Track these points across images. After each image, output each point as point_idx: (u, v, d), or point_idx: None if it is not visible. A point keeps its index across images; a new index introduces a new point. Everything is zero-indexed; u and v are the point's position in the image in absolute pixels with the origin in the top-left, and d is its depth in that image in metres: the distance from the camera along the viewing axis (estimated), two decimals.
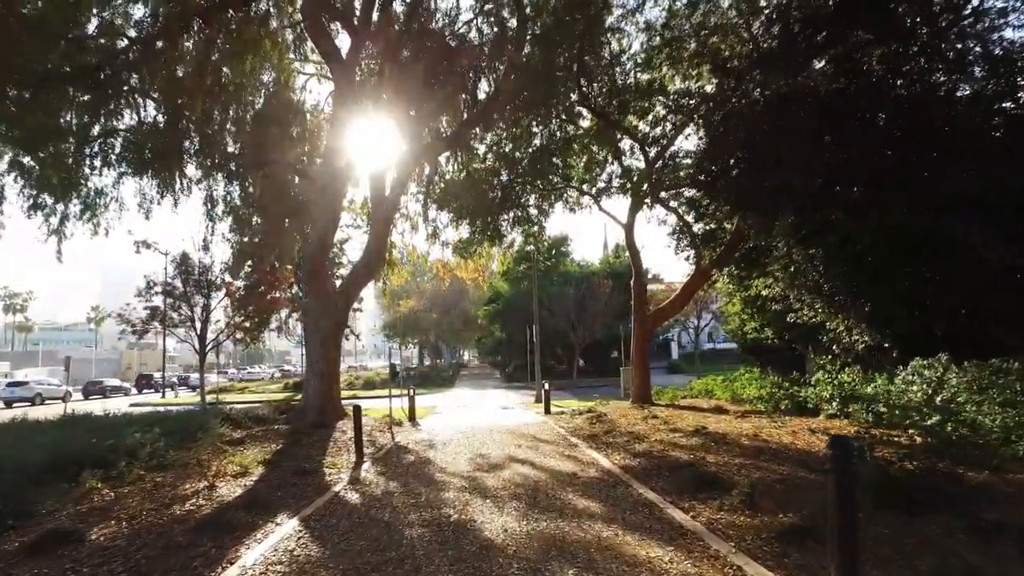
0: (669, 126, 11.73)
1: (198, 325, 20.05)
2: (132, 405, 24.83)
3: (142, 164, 11.61)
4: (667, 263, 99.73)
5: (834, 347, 9.55)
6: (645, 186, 13.26)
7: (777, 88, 9.35)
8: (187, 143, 12.95)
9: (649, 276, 36.28)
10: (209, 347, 20.82)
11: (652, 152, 12.79)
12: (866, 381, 8.71)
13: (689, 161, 11.31)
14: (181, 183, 15.22)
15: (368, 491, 6.51)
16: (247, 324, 25.09)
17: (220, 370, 59.88)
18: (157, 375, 38.80)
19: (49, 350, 67.34)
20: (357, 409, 8.93)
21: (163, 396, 33.42)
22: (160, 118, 11.30)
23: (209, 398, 27.55)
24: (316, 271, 13.07)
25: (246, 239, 16.51)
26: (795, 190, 9.14)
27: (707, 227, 12.21)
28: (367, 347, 79.08)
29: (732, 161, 9.77)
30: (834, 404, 8.85)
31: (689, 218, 13.21)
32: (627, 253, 39.99)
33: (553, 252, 36.95)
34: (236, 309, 21.83)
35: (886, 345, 8.49)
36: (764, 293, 10.72)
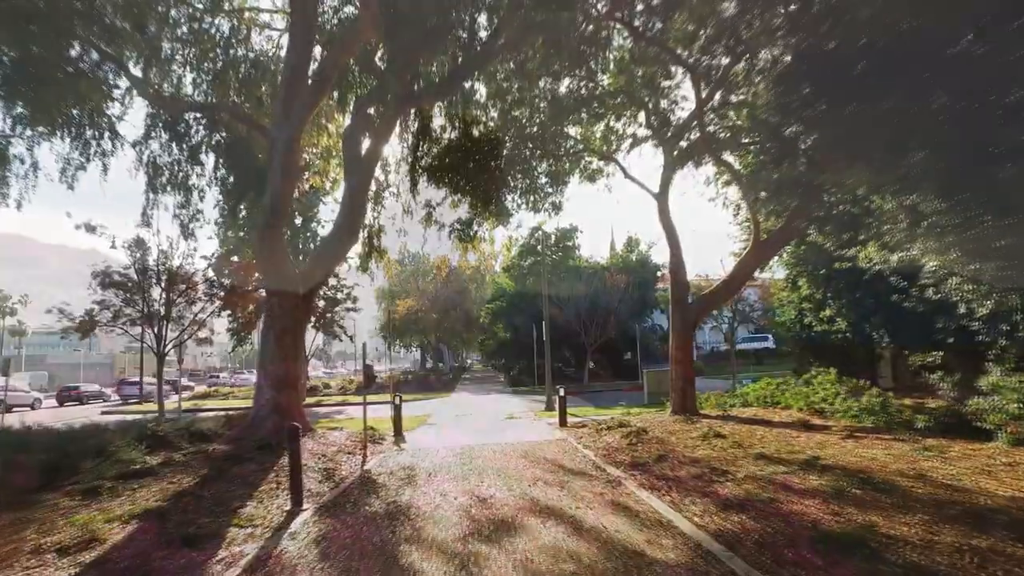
0: (733, 41, 8.66)
1: (155, 322, 17.20)
2: (103, 412, 22.54)
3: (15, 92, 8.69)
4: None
5: (1002, 341, 6.51)
6: (695, 132, 10.18)
7: None
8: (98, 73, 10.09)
9: (659, 273, 33.16)
10: (168, 347, 17.98)
11: (710, 83, 9.55)
12: None
13: (761, 91, 8.26)
14: (112, 144, 12.48)
15: None
16: (233, 325, 22.57)
17: (213, 374, 57.28)
18: (150, 379, 36.14)
19: (36, 354, 65.29)
20: (294, 431, 5.94)
21: (140, 402, 31.01)
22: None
23: (187, 405, 24.86)
24: (268, 245, 10.14)
25: (193, 216, 13.63)
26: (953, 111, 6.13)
27: (789, 175, 9.10)
28: (368, 350, 76.34)
29: (842, 71, 6.74)
30: None
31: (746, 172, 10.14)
32: (641, 247, 37.00)
33: (560, 245, 33.92)
34: (224, 308, 19.10)
35: None
36: (882, 265, 7.53)
